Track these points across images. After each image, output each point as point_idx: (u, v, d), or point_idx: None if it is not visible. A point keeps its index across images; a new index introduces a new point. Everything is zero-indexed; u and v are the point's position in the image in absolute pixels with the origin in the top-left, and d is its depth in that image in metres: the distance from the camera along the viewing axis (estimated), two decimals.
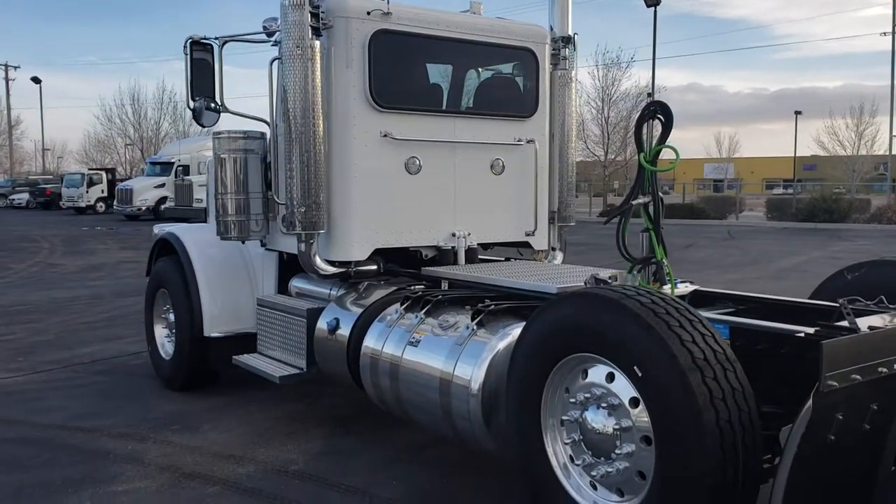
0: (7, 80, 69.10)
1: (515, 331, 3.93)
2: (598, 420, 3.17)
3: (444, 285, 5.06)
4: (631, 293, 3.12)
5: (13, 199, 50.13)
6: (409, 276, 5.50)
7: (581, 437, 3.26)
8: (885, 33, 37.12)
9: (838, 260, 19.16)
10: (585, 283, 4.23)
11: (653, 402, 2.89)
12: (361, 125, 5.29)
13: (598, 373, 3.23)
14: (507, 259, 6.19)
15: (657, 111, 4.27)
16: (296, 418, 6.00)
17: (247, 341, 6.28)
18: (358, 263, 5.43)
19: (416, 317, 4.43)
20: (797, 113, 58.89)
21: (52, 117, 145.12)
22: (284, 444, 5.41)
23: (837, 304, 3.93)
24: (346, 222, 5.33)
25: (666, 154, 4.31)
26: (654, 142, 4.32)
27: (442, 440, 4.71)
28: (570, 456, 3.36)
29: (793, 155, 71.02)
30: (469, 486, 4.65)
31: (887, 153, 50.70)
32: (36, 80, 66.25)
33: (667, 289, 4.37)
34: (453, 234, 5.66)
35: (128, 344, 8.72)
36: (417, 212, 5.56)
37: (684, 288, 4.49)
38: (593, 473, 3.17)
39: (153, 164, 37.66)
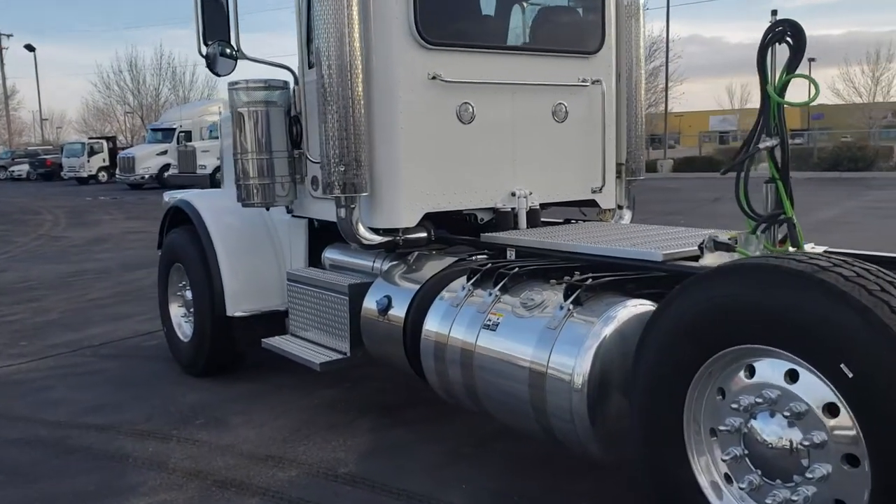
0: (0, 48, 67.64)
1: (623, 311, 3.17)
2: (774, 431, 2.41)
3: (510, 254, 4.28)
4: (825, 263, 2.34)
5: (13, 171, 49.10)
6: (466, 243, 4.72)
7: (745, 453, 2.51)
8: None
9: (878, 209, 18.31)
10: (702, 247, 3.46)
11: (870, 411, 2.13)
12: (407, 65, 4.48)
13: (770, 370, 2.46)
14: (568, 221, 5.40)
15: (786, 32, 3.44)
16: (335, 407, 5.28)
17: (274, 321, 5.56)
18: (406, 231, 4.65)
19: (490, 294, 3.66)
20: (811, 60, 57.14)
21: (49, 87, 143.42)
22: (327, 439, 4.69)
23: None
24: (392, 182, 4.54)
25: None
26: (782, 71, 3.50)
27: (511, 431, 3.97)
28: (727, 475, 2.60)
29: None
30: (553, 488, 3.93)
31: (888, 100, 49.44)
32: (30, 47, 64.63)
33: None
34: (513, 194, 4.87)
35: (139, 322, 8.00)
36: (472, 168, 4.76)
37: (811, 249, 3.70)
38: (767, 501, 2.41)
39: (154, 130, 36.73)
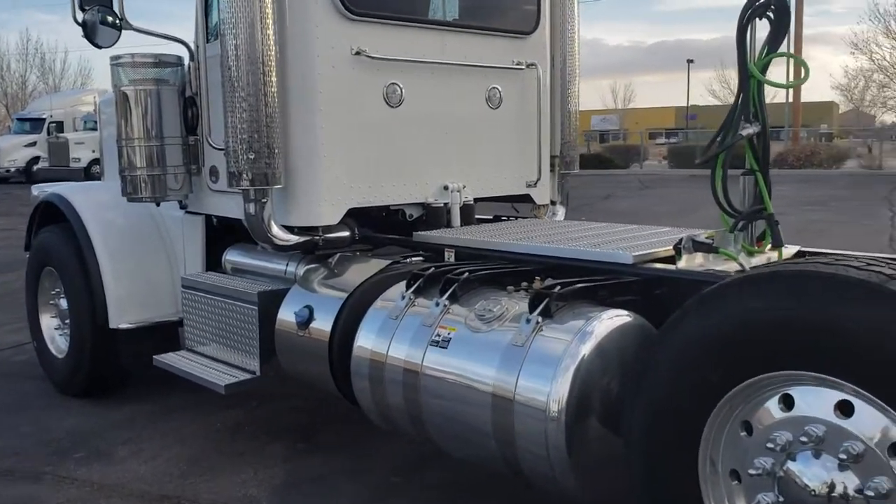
0: None
1: (601, 324, 2.70)
2: (819, 476, 1.98)
3: (449, 256, 3.76)
4: (889, 270, 1.93)
5: None
6: (396, 244, 4.16)
7: (780, 500, 2.07)
8: None
9: None
10: (681, 247, 3.04)
11: None
12: (327, 38, 3.87)
13: (815, 401, 2.02)
14: (499, 218, 4.93)
15: (768, 6, 3.06)
16: (241, 431, 4.61)
17: (166, 334, 4.84)
18: (326, 229, 4.05)
19: (437, 303, 3.12)
20: (689, 61, 59.48)
21: None
22: (235, 471, 4.04)
23: None
24: (311, 173, 3.92)
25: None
26: (761, 49, 3.13)
27: (445, 456, 3.44)
28: None
29: (674, 105, 72.73)
30: None
31: (772, 101, 52.17)
32: None
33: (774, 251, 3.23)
34: (446, 188, 4.35)
35: (6, 333, 7.00)
36: (402, 158, 4.21)
37: (786, 250, 3.35)
38: None
39: (21, 120, 34.01)
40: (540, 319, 2.75)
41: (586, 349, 2.63)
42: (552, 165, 5.02)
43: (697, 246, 3.03)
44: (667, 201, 20.57)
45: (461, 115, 4.43)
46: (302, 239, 3.98)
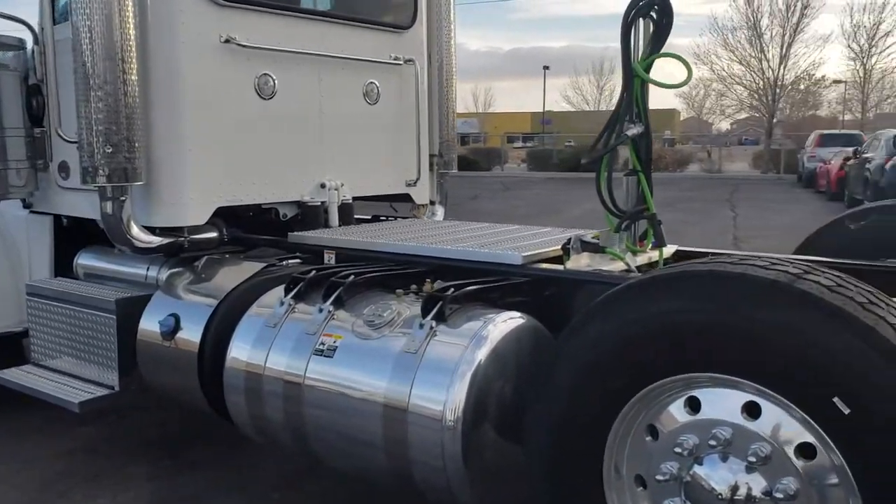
0: None
1: (497, 328, 2.60)
2: (728, 478, 1.95)
3: (328, 258, 3.57)
4: (795, 269, 1.92)
5: None
6: (269, 245, 3.92)
7: None
8: None
9: None
10: (569, 248, 2.99)
11: (868, 455, 1.73)
12: (193, 24, 3.59)
13: (721, 403, 1.98)
14: (377, 218, 4.78)
15: (652, 5, 3.07)
16: (99, 450, 4.21)
17: (8, 346, 4.36)
18: (193, 230, 3.75)
19: (320, 309, 2.92)
20: (545, 68, 61.45)
21: None
22: (92, 495, 3.68)
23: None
24: (176, 169, 3.62)
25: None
26: (644, 49, 3.13)
27: (323, 468, 3.25)
28: None
29: (530, 111, 75.11)
30: None
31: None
32: None
33: (661, 250, 3.26)
34: (322, 186, 4.14)
35: None
36: (275, 153, 3.96)
37: (666, 249, 3.39)
38: None
39: None
40: (434, 324, 2.62)
41: (483, 354, 2.52)
42: (431, 164, 4.91)
43: (585, 246, 3.00)
44: (530, 203, 21.08)
45: (338, 109, 4.24)
46: (165, 241, 3.67)
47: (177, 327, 3.32)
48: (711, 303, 1.94)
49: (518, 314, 2.71)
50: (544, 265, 3.07)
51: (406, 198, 4.76)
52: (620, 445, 2.15)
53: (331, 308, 2.91)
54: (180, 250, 3.74)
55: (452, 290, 2.73)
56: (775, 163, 32.19)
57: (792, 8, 33.66)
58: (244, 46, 3.72)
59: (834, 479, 1.83)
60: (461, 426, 2.46)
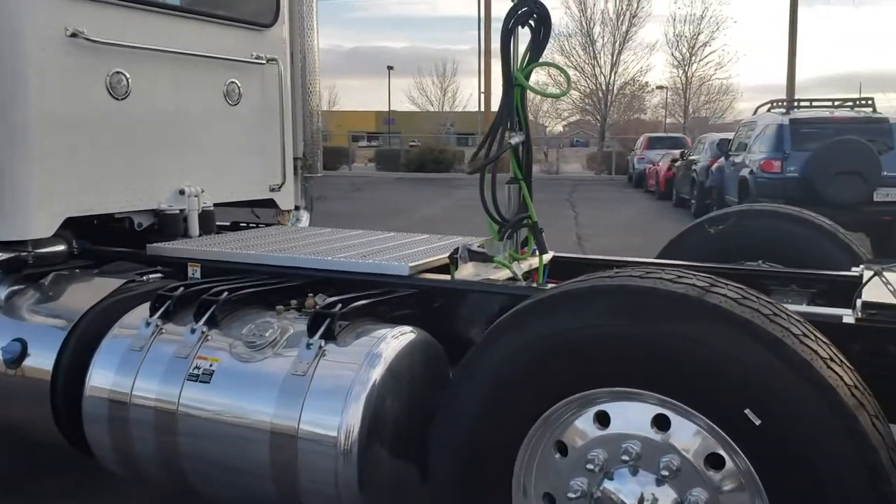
0: None
1: (389, 345, 2.49)
2: (638, 492, 1.93)
3: (194, 272, 3.32)
4: (702, 283, 1.93)
5: None
6: (126, 258, 3.60)
7: None
8: None
9: (468, 207, 19.96)
10: (457, 257, 2.93)
11: (779, 466, 1.76)
12: (35, 15, 3.22)
13: (631, 417, 1.97)
14: (238, 225, 4.53)
15: (531, 13, 3.06)
16: None
17: None
18: (38, 243, 3.38)
19: (192, 330, 2.69)
20: (389, 68, 61.60)
21: None
22: None
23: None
24: (17, 177, 3.24)
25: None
26: (522, 58, 3.12)
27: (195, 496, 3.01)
28: None
29: (374, 110, 75.34)
30: None
31: (465, 110, 55.80)
32: None
33: (533, 259, 3.27)
34: (181, 192, 3.86)
35: None
36: (129, 158, 3.64)
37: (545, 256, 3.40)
38: None
39: None
40: (322, 343, 2.48)
41: (377, 373, 2.40)
42: (295, 168, 4.71)
43: (472, 255, 2.95)
44: (380, 203, 21.02)
45: (198, 110, 3.96)
46: (5, 256, 3.28)
47: (23, 354, 2.97)
48: (623, 317, 1.93)
49: (410, 329, 2.62)
50: (431, 276, 3.00)
51: (270, 203, 4.53)
52: (528, 464, 2.10)
53: (204, 328, 2.69)
54: (23, 266, 3.36)
55: (340, 305, 2.59)
56: (607, 164, 33.93)
57: (622, 17, 35.60)
58: (94, 42, 3.39)
59: (743, 489, 1.87)
60: (356, 450, 2.33)
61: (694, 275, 2.01)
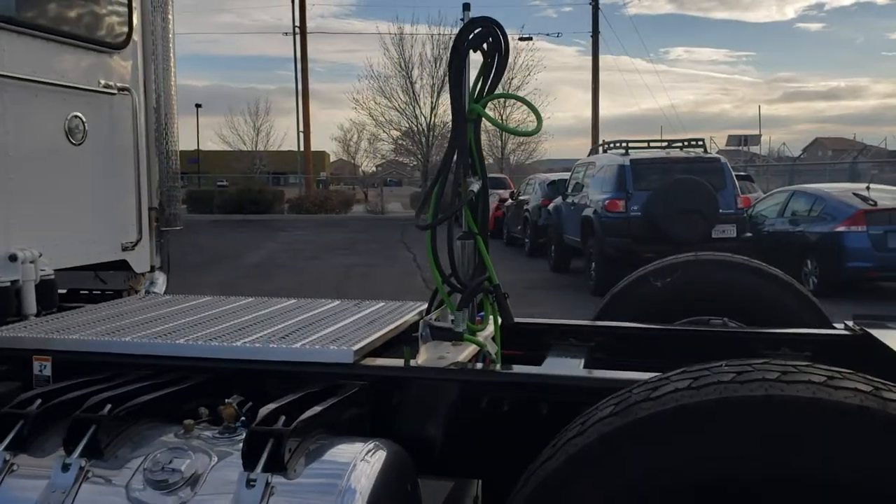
0: None
1: (362, 472, 1.82)
2: None
3: (42, 368, 2.45)
4: (868, 388, 1.43)
5: None
6: None
7: None
8: (286, 33, 38.88)
9: (298, 250, 19.05)
10: (418, 336, 2.31)
11: None
12: None
13: None
14: (78, 293, 3.63)
15: (486, 35, 2.53)
16: None
17: None
18: None
19: (64, 465, 1.87)
20: (198, 106, 59.05)
21: None
22: None
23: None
24: None
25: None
26: (473, 87, 2.57)
27: None
28: None
29: (191, 148, 72.48)
30: None
31: (281, 149, 54.64)
32: None
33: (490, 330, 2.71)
34: (13, 258, 2.94)
35: None
36: None
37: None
38: None
39: None
40: (269, 478, 1.76)
41: None
42: (150, 221, 3.86)
43: (437, 333, 2.33)
44: (200, 249, 19.57)
45: (31, 151, 3.07)
46: None
47: None
48: (775, 444, 1.40)
49: (376, 443, 1.96)
50: (382, 361, 2.35)
51: (122, 265, 3.66)
52: None
53: (82, 462, 1.87)
54: None
55: (283, 418, 1.88)
56: None
57: (439, 60, 36.13)
58: None
59: None
60: None
61: (846, 373, 1.50)
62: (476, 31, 2.52)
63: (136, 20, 3.69)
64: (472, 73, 2.58)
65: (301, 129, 37.46)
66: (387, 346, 2.53)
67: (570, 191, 13.82)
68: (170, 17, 3.97)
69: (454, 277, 2.52)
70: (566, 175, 15.39)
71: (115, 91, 3.48)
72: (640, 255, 10.67)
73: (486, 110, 2.54)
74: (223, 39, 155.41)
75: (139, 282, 3.83)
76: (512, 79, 37.98)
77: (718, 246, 10.85)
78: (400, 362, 2.32)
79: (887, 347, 2.40)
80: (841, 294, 10.79)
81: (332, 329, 2.57)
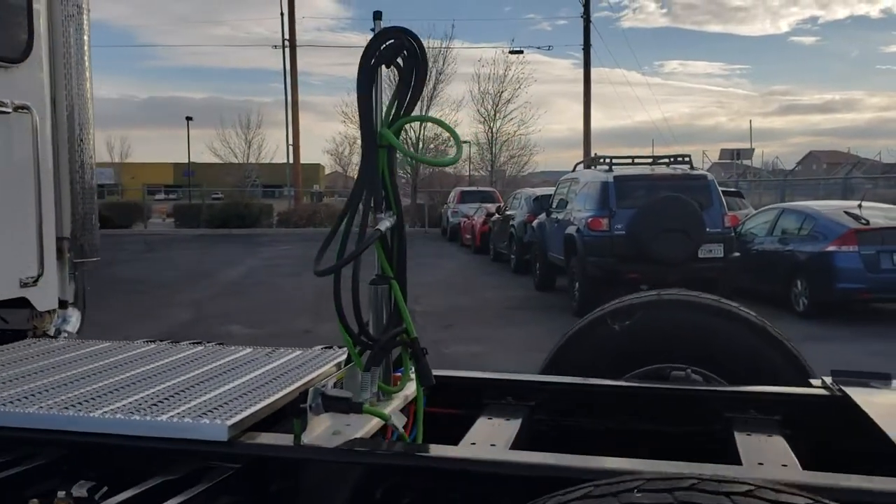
0: None
1: None
2: None
3: None
4: None
5: None
6: None
7: None
8: (276, 46, 38.63)
9: (277, 266, 18.62)
10: (307, 407, 1.93)
11: None
12: None
13: None
14: None
15: (401, 48, 2.16)
16: None
17: None
18: None
19: None
20: (188, 119, 58.66)
21: None
22: None
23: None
24: None
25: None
26: (388, 109, 2.21)
27: None
28: None
29: (172, 161, 72.50)
30: None
31: (272, 161, 54.34)
32: None
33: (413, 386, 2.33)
34: None
35: None
36: None
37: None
38: None
39: None
40: None
41: None
42: (60, 252, 3.48)
43: (330, 403, 1.94)
44: (176, 266, 19.22)
45: None
46: None
47: None
48: None
49: None
50: (265, 437, 1.96)
51: (22, 302, 3.28)
52: None
53: None
54: None
55: None
56: (420, 217, 33.72)
57: (429, 75, 35.89)
58: None
59: None
60: None
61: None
62: (388, 42, 2.16)
63: (42, 30, 3.32)
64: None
65: (290, 141, 37.15)
66: (283, 413, 2.14)
67: (554, 207, 13.46)
68: (85, 25, 3.61)
69: (362, 332, 2.14)
70: (552, 190, 15.04)
71: (10, 109, 3.11)
72: (624, 275, 10.34)
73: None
74: (218, 52, 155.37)
75: (45, 320, 3.45)
76: (502, 91, 37.77)
77: (705, 266, 10.53)
78: (289, 438, 1.94)
79: (866, 416, 2.04)
80: (832, 315, 10.45)
81: (218, 392, 2.18)
